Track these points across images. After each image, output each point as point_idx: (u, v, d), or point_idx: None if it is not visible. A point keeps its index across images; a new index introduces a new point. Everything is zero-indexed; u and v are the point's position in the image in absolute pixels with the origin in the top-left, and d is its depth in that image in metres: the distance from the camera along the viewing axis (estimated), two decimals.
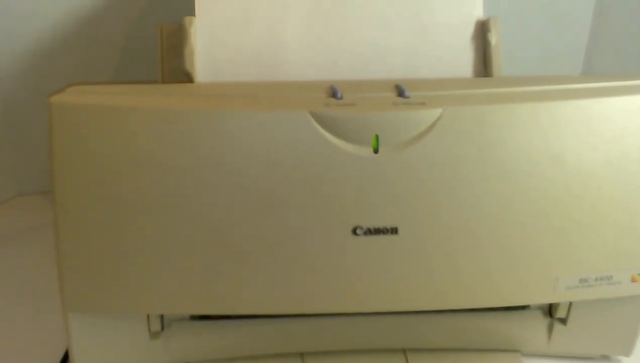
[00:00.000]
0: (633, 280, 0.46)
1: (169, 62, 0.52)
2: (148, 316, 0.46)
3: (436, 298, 0.45)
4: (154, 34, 0.53)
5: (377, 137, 0.41)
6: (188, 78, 0.49)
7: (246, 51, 0.50)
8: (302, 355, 0.49)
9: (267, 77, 0.50)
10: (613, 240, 0.44)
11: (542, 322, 0.50)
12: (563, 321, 0.50)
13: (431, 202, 0.42)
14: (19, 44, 0.73)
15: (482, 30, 0.53)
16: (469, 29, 0.53)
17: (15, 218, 0.75)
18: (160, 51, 0.52)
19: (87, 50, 0.74)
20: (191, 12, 0.50)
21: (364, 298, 0.44)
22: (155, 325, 0.47)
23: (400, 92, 0.43)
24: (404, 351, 0.50)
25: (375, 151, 0.41)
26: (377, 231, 0.42)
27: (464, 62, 0.53)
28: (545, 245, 0.44)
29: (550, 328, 0.50)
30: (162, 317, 0.47)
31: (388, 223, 0.42)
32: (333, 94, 0.42)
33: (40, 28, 0.72)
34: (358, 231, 0.42)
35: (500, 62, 0.53)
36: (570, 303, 0.49)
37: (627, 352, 0.51)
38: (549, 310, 0.50)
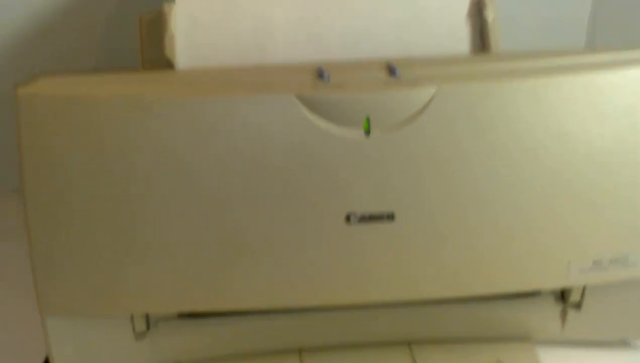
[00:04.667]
0: None
1: (150, 51, 0.51)
2: (132, 316, 0.46)
3: (440, 286, 0.44)
4: (134, 23, 0.52)
5: (368, 119, 0.40)
6: (169, 65, 0.48)
7: (228, 34, 0.49)
8: (299, 351, 0.49)
9: (251, 60, 0.49)
10: (626, 220, 0.43)
11: (554, 308, 0.49)
12: (577, 306, 0.49)
13: (428, 185, 0.41)
14: None
15: (477, 7, 0.52)
16: (464, 7, 0.52)
17: None
18: (140, 41, 0.52)
19: (66, 41, 0.74)
20: None
21: (362, 289, 0.43)
22: (140, 325, 0.46)
23: (391, 71, 0.42)
24: (408, 343, 0.49)
25: (367, 133, 0.40)
26: (372, 218, 0.41)
27: (459, 40, 0.51)
28: (554, 228, 0.43)
29: (563, 314, 0.49)
30: (147, 316, 0.46)
31: (383, 209, 0.41)
32: (320, 75, 0.42)
33: (17, 18, 0.72)
34: (352, 218, 0.41)
35: (498, 39, 0.52)
36: (584, 287, 0.48)
37: None
38: (562, 295, 0.49)
